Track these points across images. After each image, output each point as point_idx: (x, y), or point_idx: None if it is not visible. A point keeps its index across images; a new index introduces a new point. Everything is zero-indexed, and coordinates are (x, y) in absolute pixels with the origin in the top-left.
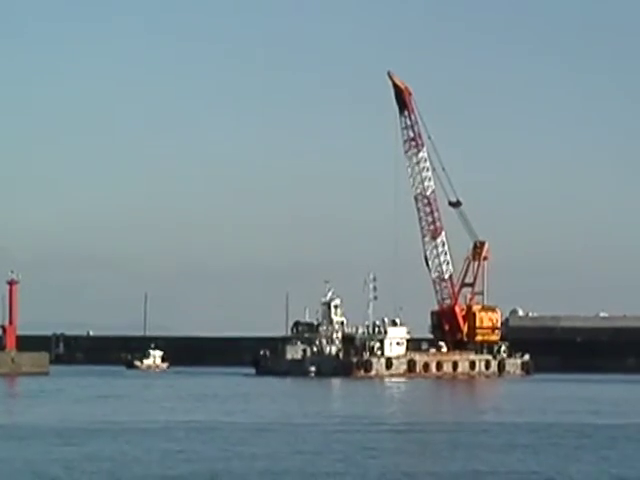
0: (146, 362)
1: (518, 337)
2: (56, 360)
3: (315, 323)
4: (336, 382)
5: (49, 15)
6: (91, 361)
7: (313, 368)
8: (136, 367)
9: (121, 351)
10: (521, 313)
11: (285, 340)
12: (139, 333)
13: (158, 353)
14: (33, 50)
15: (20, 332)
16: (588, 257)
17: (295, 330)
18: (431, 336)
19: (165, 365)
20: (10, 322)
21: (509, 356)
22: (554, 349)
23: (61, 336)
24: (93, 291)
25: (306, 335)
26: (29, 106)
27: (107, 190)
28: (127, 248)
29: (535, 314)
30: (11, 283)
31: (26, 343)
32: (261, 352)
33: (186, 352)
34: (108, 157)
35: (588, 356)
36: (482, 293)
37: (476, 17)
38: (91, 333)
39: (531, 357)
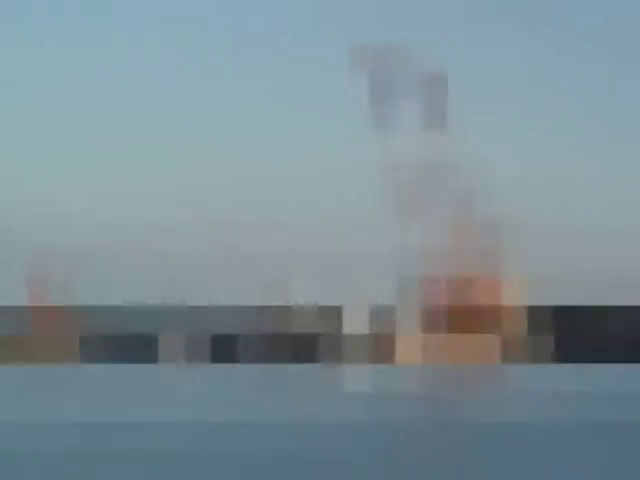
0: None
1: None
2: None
3: None
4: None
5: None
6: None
7: None
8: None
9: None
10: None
11: None
12: None
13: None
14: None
15: None
16: (620, 244)
17: None
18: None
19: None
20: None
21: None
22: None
23: None
24: (123, 278)
25: None
26: (49, 97)
27: (138, 175)
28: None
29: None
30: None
31: None
32: None
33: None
34: (133, 148)
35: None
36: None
37: None
38: None
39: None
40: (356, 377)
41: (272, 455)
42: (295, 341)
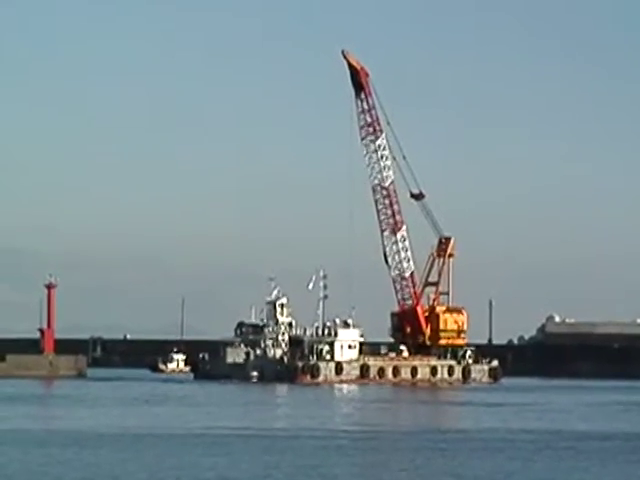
0: (170, 366)
1: (554, 343)
2: (93, 363)
3: (260, 324)
4: (279, 388)
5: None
6: (127, 364)
7: (255, 373)
8: (161, 370)
9: (157, 355)
10: (557, 319)
11: (226, 343)
12: (176, 337)
13: (181, 357)
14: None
15: (58, 335)
16: (626, 262)
17: (239, 332)
18: (392, 339)
19: (188, 368)
20: (48, 325)
21: (475, 362)
22: (591, 355)
23: (98, 339)
24: (130, 294)
25: (250, 337)
26: (65, 110)
27: (142, 192)
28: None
29: (572, 320)
30: (49, 287)
31: (64, 346)
32: (200, 355)
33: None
34: (142, 159)
35: (625, 362)
36: (447, 293)
37: None
38: (128, 337)
39: (567, 362)
40: None
41: None
42: None
